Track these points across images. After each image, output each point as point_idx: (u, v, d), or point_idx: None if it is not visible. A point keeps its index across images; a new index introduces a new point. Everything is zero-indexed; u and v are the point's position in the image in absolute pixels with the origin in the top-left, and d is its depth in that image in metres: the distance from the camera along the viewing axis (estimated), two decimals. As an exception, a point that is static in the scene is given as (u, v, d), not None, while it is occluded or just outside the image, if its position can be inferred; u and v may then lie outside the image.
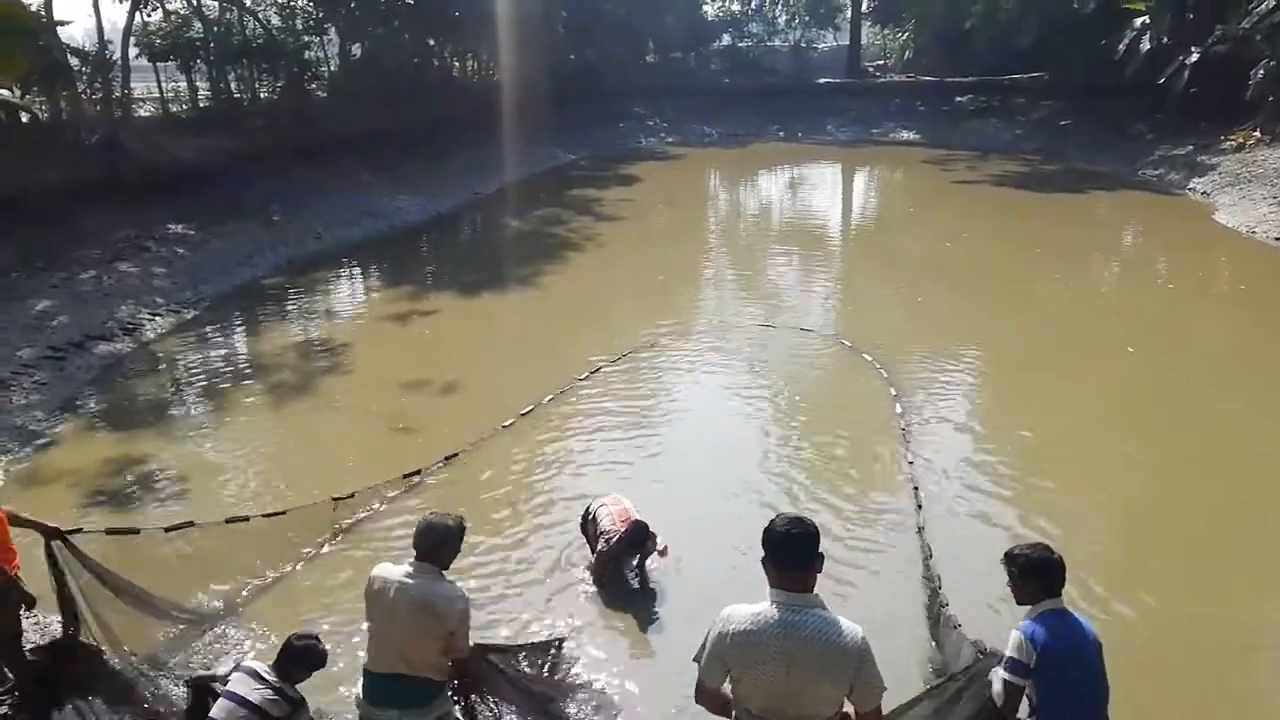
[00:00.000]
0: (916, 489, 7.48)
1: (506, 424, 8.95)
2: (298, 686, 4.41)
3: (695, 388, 10.44)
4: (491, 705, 4.70)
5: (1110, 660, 3.74)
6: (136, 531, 5.60)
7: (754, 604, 3.19)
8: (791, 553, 3.16)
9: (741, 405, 9.83)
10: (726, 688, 3.28)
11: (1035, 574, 3.78)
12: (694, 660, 3.30)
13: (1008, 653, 3.70)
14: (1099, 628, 3.88)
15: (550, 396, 9.66)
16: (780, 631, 3.08)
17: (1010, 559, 3.89)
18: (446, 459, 8.18)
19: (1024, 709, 3.79)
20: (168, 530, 5.54)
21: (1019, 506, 7.44)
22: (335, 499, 6.94)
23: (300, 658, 4.43)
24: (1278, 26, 23.25)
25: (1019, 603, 3.85)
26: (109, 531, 5.48)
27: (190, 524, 5.75)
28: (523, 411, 9.24)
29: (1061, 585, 3.76)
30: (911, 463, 8.01)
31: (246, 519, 6.24)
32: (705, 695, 3.30)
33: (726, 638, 3.15)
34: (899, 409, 9.17)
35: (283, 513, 6.56)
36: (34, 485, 8.16)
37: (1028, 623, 3.72)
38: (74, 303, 12.87)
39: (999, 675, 3.74)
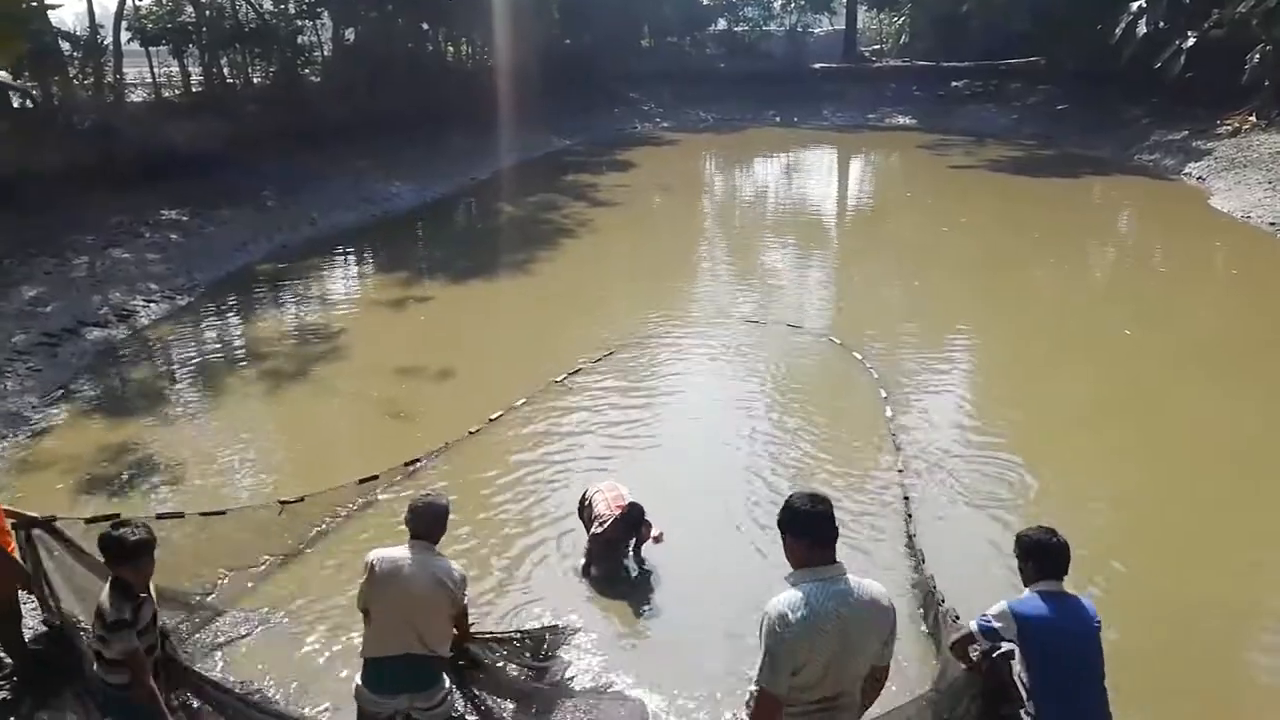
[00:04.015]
0: (907, 499, 7.25)
1: (473, 430, 8.63)
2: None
3: (682, 387, 10.07)
4: (490, 699, 4.75)
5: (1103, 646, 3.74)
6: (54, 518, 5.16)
7: (791, 590, 3.16)
8: (821, 527, 3.24)
9: (730, 406, 9.48)
10: None
11: (1032, 555, 3.81)
12: (755, 682, 3.15)
13: (987, 611, 3.77)
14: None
15: (522, 400, 9.32)
16: (834, 604, 3.11)
17: (1017, 541, 3.93)
18: (407, 464, 7.87)
19: (1021, 696, 3.80)
20: (88, 522, 5.21)
21: (1011, 501, 7.38)
22: (282, 502, 6.61)
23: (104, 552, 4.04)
24: (1274, 11, 23.18)
25: (1025, 585, 3.86)
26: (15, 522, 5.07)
27: (116, 516, 5.56)
28: (491, 417, 8.89)
29: (1062, 570, 3.76)
30: (901, 470, 7.78)
31: (181, 515, 6.02)
32: (772, 710, 3.15)
33: (787, 630, 3.07)
34: (889, 412, 8.96)
35: (221, 512, 6.27)
36: (28, 472, 8.13)
37: (1020, 596, 3.76)
38: (67, 289, 12.82)
39: (970, 622, 3.85)
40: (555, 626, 5.39)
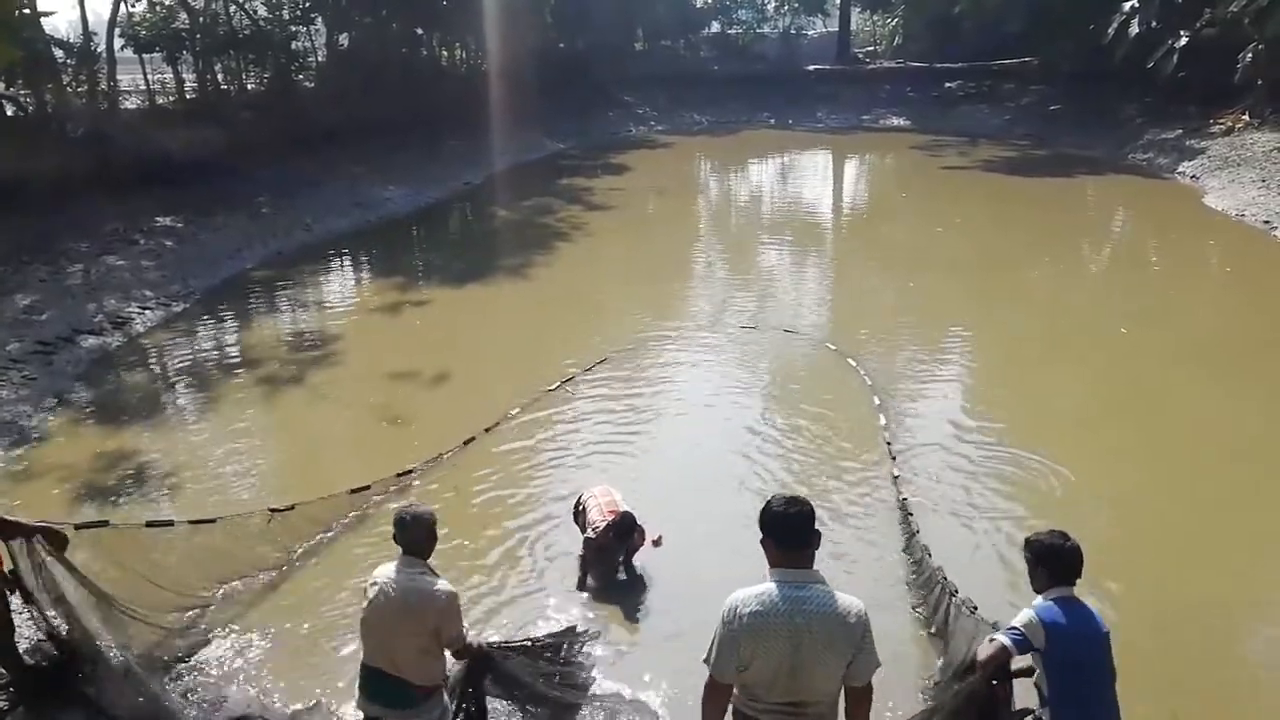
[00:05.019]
0: (904, 500, 7.14)
1: (467, 440, 8.50)
2: None
3: (677, 394, 9.93)
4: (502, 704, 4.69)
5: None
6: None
7: (756, 586, 3.22)
8: (791, 531, 3.23)
9: (725, 413, 9.33)
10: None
11: (1044, 561, 3.77)
12: (704, 661, 3.26)
13: (1014, 623, 3.72)
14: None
15: (516, 409, 9.22)
16: (787, 608, 3.12)
17: (1027, 544, 3.89)
18: (399, 475, 7.75)
19: (1034, 699, 3.80)
20: (77, 528, 5.15)
21: (1009, 504, 7.33)
22: (271, 510, 6.43)
23: None
24: (1265, 10, 23.24)
25: (1035, 590, 3.82)
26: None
27: (106, 523, 5.49)
28: (486, 428, 8.77)
29: (1075, 574, 3.73)
30: (897, 476, 7.64)
31: (171, 523, 5.96)
32: (716, 694, 3.27)
33: (736, 621, 3.16)
34: (883, 420, 8.82)
35: (211, 520, 6.17)
36: (23, 480, 8.10)
37: (1042, 604, 3.71)
38: (62, 296, 12.80)
39: (998, 638, 3.75)
40: (573, 629, 5.32)
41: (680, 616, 5.88)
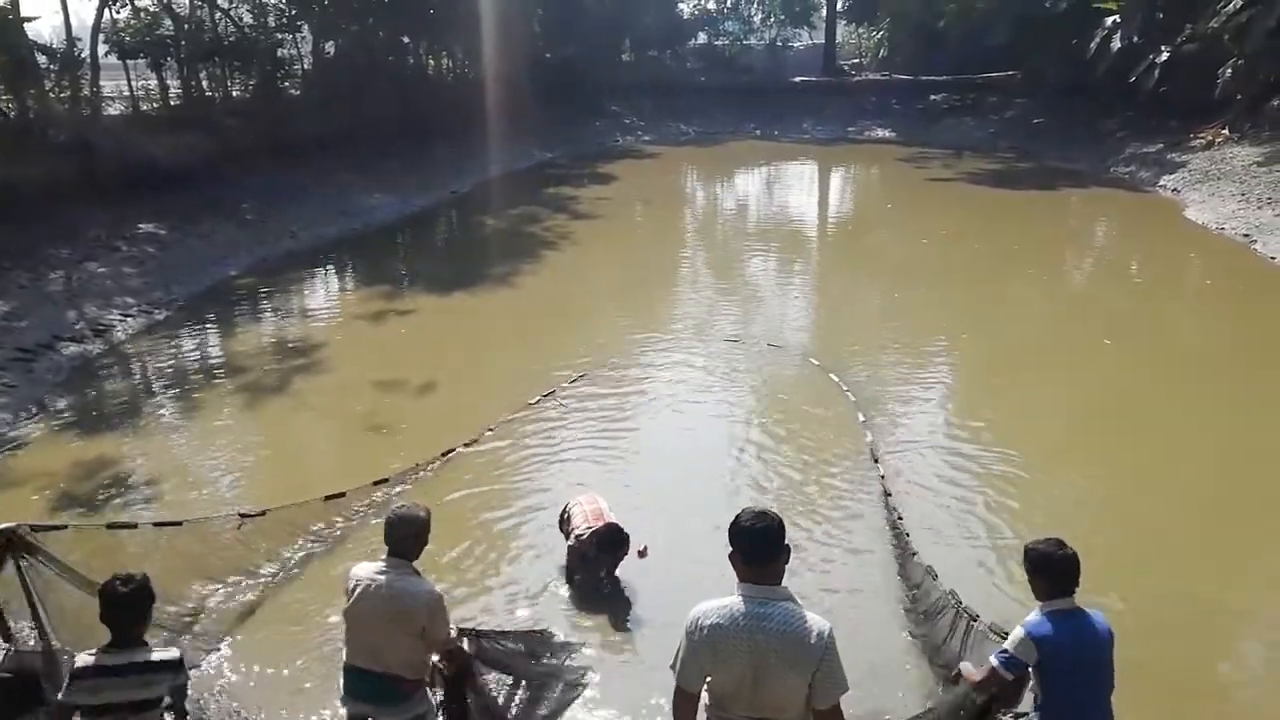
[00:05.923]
0: (900, 518, 6.93)
1: (446, 453, 8.39)
2: None
3: (659, 407, 9.86)
4: (488, 696, 4.63)
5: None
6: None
7: (722, 599, 3.20)
8: (758, 546, 3.20)
9: (708, 426, 9.30)
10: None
11: (1040, 570, 3.75)
12: (670, 667, 3.26)
13: (1005, 644, 3.71)
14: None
15: (492, 427, 9.05)
16: (748, 624, 3.09)
17: (1025, 554, 3.86)
18: (376, 483, 7.64)
19: (1028, 700, 3.81)
20: (35, 530, 4.90)
21: (998, 516, 7.31)
22: (242, 515, 6.27)
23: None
24: (1245, 26, 23.55)
25: (1037, 599, 3.80)
26: None
27: (64, 527, 5.28)
28: (465, 443, 8.64)
29: (1072, 582, 3.70)
30: (889, 494, 7.48)
31: (134, 525, 5.82)
32: (683, 702, 3.26)
33: (697, 633, 3.15)
34: (869, 436, 8.72)
35: (178, 523, 5.93)
36: (1, 489, 8.01)
37: (1034, 619, 3.69)
38: (42, 303, 12.68)
39: (988, 660, 3.76)
40: (545, 631, 5.11)
41: (658, 634, 5.82)
